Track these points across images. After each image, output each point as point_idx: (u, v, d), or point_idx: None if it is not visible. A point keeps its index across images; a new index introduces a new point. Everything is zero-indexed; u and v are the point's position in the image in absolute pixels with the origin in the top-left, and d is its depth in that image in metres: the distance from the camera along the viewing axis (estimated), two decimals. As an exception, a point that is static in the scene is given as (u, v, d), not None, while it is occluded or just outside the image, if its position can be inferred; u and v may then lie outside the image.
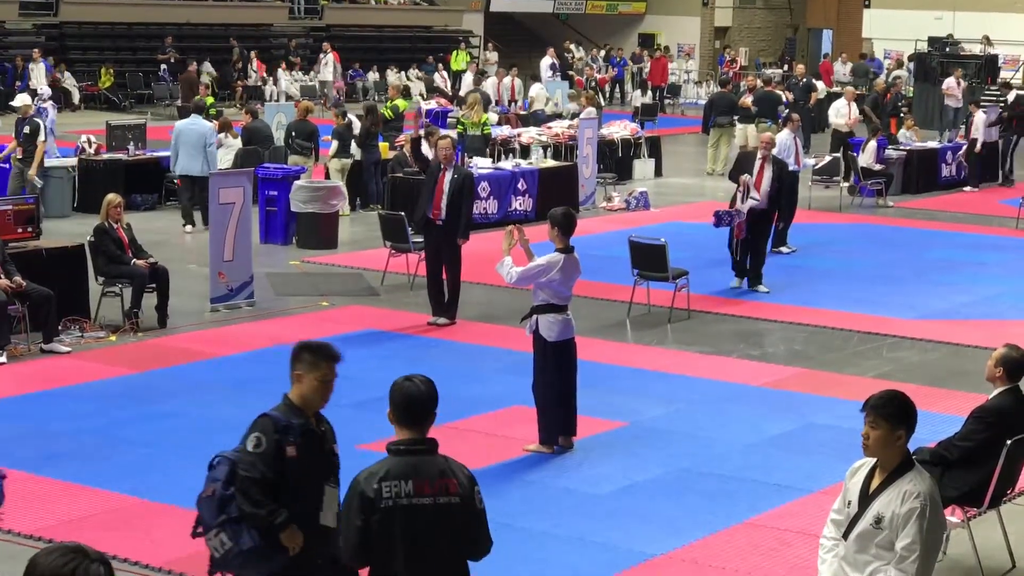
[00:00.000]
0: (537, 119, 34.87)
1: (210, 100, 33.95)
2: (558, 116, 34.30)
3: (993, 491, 10.11)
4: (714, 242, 20.10)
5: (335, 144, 25.67)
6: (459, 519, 6.47)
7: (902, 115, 34.67)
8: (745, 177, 19.42)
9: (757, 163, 19.68)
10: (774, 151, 22.46)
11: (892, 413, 7.07)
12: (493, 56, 52.68)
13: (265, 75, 47.32)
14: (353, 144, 25.89)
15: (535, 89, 38.84)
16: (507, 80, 42.63)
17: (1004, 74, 42.95)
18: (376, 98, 44.10)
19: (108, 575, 4.57)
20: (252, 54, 47.29)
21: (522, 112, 37.64)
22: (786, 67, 40.02)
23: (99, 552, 4.58)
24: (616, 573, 10.11)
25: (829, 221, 26.40)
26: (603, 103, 45.13)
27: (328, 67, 46.65)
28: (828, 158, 28.49)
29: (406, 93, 38.18)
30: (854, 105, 31.51)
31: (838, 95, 46.94)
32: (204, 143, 23.36)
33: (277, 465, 7.47)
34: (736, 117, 33.31)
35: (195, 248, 21.79)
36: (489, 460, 12.38)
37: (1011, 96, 35.27)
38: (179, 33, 49.01)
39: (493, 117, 31.54)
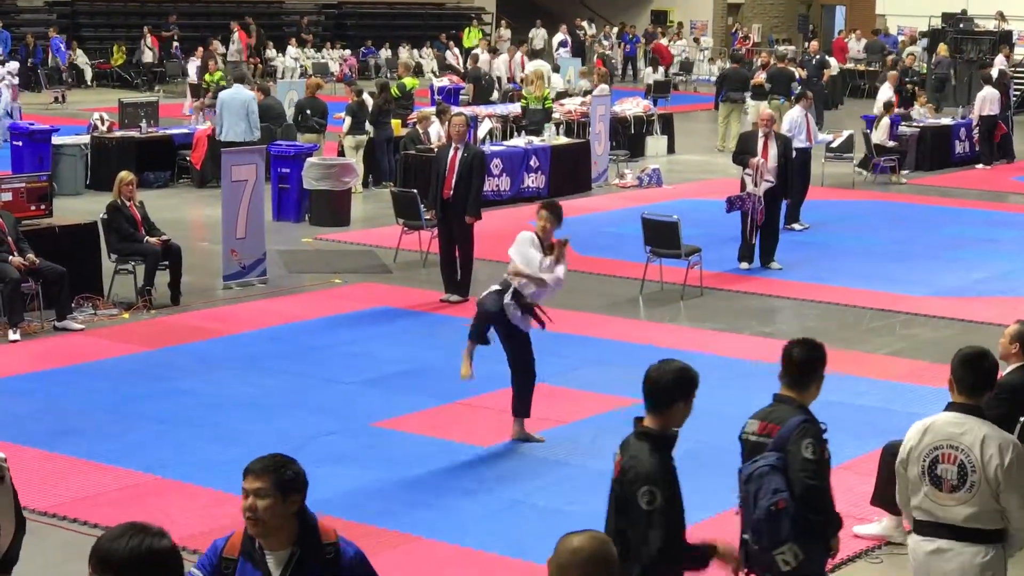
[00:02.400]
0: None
1: (218, 75, 33.96)
2: (566, 94, 34.22)
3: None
4: (727, 219, 20.06)
5: (348, 121, 25.66)
6: None
7: (915, 92, 34.51)
8: (756, 160, 19.34)
9: (760, 141, 19.59)
10: (785, 128, 22.47)
11: None
12: (506, 33, 52.62)
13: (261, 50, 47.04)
14: (367, 121, 25.88)
15: (533, 65, 38.67)
16: (517, 57, 42.54)
17: (1019, 50, 42.77)
18: (388, 76, 44.06)
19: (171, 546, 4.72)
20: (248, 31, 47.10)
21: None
22: (807, 44, 39.82)
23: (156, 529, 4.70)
24: (629, 550, 10.10)
25: (842, 198, 26.35)
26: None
27: (235, 46, 45.86)
28: (844, 135, 28.38)
29: (418, 71, 38.17)
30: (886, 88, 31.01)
31: (852, 72, 47.04)
32: (247, 110, 24.05)
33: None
34: (748, 94, 33.25)
35: (208, 225, 21.81)
36: (502, 437, 12.39)
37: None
38: (190, 10, 48.99)
39: (559, 81, 31.95)
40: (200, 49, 40.79)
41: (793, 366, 7.66)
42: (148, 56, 44.85)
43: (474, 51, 42.46)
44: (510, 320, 12.27)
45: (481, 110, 29.41)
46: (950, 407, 7.54)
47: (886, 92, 30.56)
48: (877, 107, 30.20)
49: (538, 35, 51.99)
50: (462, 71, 42.81)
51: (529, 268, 12.21)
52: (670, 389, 6.72)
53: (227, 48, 45.05)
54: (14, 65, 34.31)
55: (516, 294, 12.24)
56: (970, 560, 7.29)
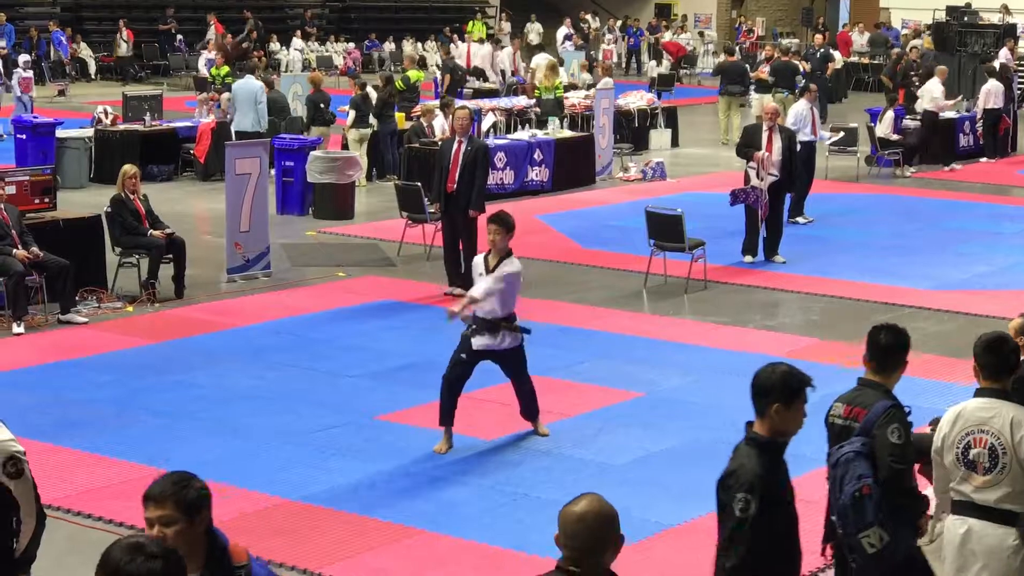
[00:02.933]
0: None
1: (225, 70, 33.94)
2: (573, 87, 34.20)
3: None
4: (731, 212, 20.06)
5: (352, 114, 25.67)
6: None
7: (916, 85, 34.45)
8: (760, 153, 19.33)
9: (764, 134, 19.58)
10: (791, 121, 22.46)
11: None
12: (507, 27, 52.60)
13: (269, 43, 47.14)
14: (370, 114, 25.89)
15: (538, 59, 38.60)
16: (511, 50, 42.40)
17: (1023, 43, 42.70)
18: (392, 69, 44.01)
19: (164, 571, 4.66)
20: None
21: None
22: (819, 36, 39.73)
23: (160, 547, 4.71)
24: (632, 543, 10.10)
25: (846, 191, 26.33)
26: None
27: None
28: (840, 134, 28.31)
29: (422, 64, 38.15)
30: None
31: (856, 65, 46.99)
32: (255, 100, 24.89)
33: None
34: (752, 87, 33.20)
35: (211, 219, 21.81)
36: (505, 430, 12.39)
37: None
38: (193, 4, 48.95)
39: (563, 75, 32.36)
40: (212, 42, 40.74)
41: (879, 351, 7.84)
42: (123, 49, 44.64)
43: (449, 43, 42.49)
44: (497, 351, 12.03)
45: (485, 103, 29.40)
46: (979, 393, 7.64)
47: (936, 87, 30.22)
48: (925, 103, 30.02)
49: (532, 29, 51.92)
50: (468, 66, 42.78)
51: (475, 292, 11.89)
52: (769, 392, 6.68)
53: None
54: (25, 58, 34.32)
55: (479, 322, 11.93)
56: (1000, 542, 7.38)
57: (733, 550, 6.55)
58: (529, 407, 12.33)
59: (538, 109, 28.93)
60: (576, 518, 5.18)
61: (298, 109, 28.07)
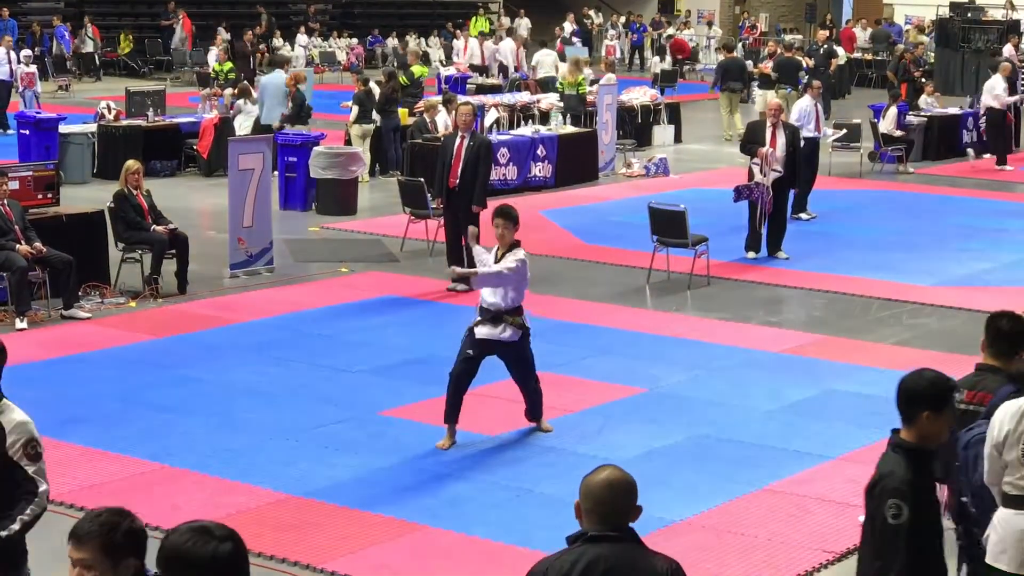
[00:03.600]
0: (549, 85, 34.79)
1: (228, 65, 33.95)
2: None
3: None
4: (734, 209, 20.06)
5: (355, 110, 25.66)
6: None
7: (921, 81, 34.44)
8: (764, 149, 19.32)
9: (768, 131, 19.59)
10: (795, 117, 22.47)
11: None
12: (507, 22, 52.59)
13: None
14: (373, 110, 25.88)
15: (540, 55, 38.59)
16: (509, 44, 42.35)
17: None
18: (395, 64, 43.97)
19: (235, 552, 4.66)
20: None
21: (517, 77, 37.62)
22: (822, 32, 39.64)
23: (226, 530, 4.67)
24: (635, 539, 10.11)
25: (849, 187, 26.33)
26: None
27: (178, 35, 45.75)
28: (841, 132, 28.30)
29: (425, 60, 38.14)
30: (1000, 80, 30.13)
31: (859, 61, 46.96)
32: (284, 94, 25.43)
33: None
34: (753, 83, 33.18)
35: (214, 214, 21.82)
36: (509, 426, 12.39)
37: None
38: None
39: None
40: (219, 38, 40.73)
41: (1001, 337, 8.10)
42: (89, 47, 44.52)
43: (452, 39, 42.53)
44: (498, 341, 12.01)
45: (488, 99, 29.39)
46: None
47: (999, 83, 30.10)
48: (989, 99, 29.92)
49: (522, 24, 51.91)
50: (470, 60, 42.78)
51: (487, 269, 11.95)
52: (915, 399, 6.63)
53: (232, 37, 45.04)
54: (27, 53, 34.33)
55: (484, 313, 11.96)
56: None
57: (892, 559, 6.49)
58: (533, 409, 12.31)
59: (561, 104, 28.91)
60: (604, 484, 5.48)
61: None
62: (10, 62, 31.85)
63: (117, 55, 45.41)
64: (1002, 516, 7.66)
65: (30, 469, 6.94)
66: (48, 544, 7.36)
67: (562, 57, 38.59)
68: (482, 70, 40.27)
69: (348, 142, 25.58)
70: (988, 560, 7.66)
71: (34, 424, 7.09)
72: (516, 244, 12.07)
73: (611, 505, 5.48)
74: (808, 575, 9.63)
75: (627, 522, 5.52)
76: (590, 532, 5.48)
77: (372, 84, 26.44)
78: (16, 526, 7.00)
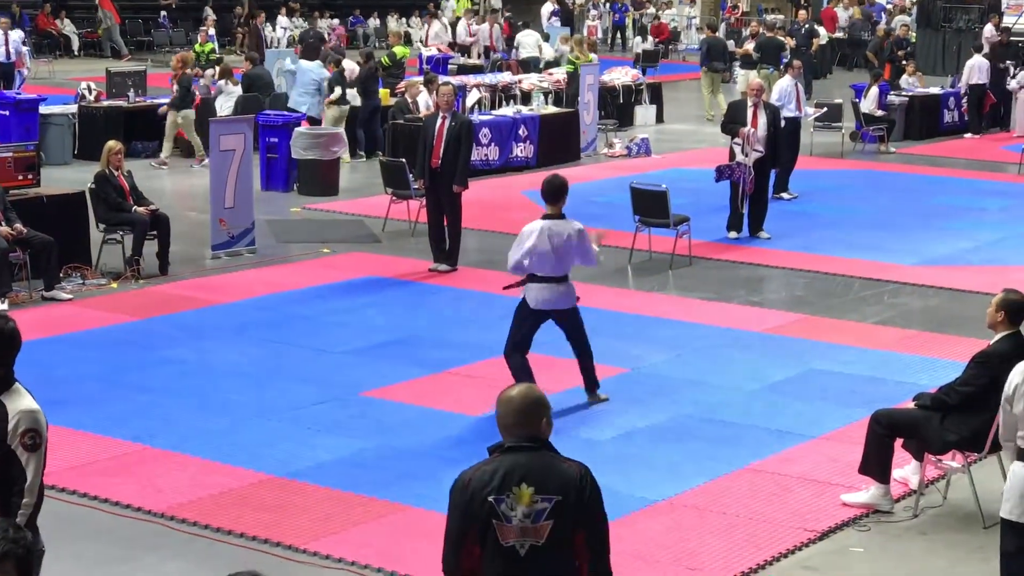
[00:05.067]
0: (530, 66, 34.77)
1: (209, 47, 33.85)
2: (555, 63, 34.20)
3: (993, 436, 10.12)
4: (716, 188, 20.07)
5: (338, 91, 25.60)
6: None
7: (904, 62, 34.45)
8: (746, 129, 19.32)
9: (749, 111, 19.58)
10: (775, 97, 22.47)
11: None
12: (496, 2, 52.46)
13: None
14: (352, 91, 25.81)
15: (522, 35, 38.48)
16: (493, 27, 42.28)
17: (1008, 19, 42.67)
18: (376, 45, 43.95)
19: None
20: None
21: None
22: (803, 12, 39.54)
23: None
24: (617, 518, 10.11)
25: (831, 167, 26.35)
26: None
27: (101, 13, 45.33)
28: (823, 110, 28.32)
29: (407, 40, 38.06)
30: None
31: (841, 41, 46.96)
32: (318, 85, 25.37)
33: None
34: (737, 63, 33.18)
35: (196, 195, 21.78)
36: (491, 406, 12.37)
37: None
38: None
39: (549, 51, 32.56)
40: (210, 18, 40.61)
41: None
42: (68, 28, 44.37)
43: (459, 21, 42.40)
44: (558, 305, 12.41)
45: (469, 79, 29.34)
46: None
47: (983, 62, 30.30)
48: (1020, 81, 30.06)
49: (545, 11, 51.70)
50: (451, 41, 42.68)
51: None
52: None
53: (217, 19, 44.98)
54: (20, 33, 34.15)
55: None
56: None
57: None
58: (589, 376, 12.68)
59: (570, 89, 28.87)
60: (518, 399, 6.18)
61: (283, 85, 28.02)
62: (7, 43, 31.58)
63: (97, 36, 45.22)
64: (1015, 469, 7.97)
65: (23, 459, 6.84)
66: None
67: (546, 38, 38.57)
68: (464, 50, 40.18)
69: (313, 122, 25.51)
70: (1001, 513, 8.07)
71: (42, 415, 6.97)
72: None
73: (524, 418, 6.08)
74: (790, 553, 9.65)
75: (540, 433, 6.08)
76: (508, 443, 6.11)
77: (346, 64, 26.40)
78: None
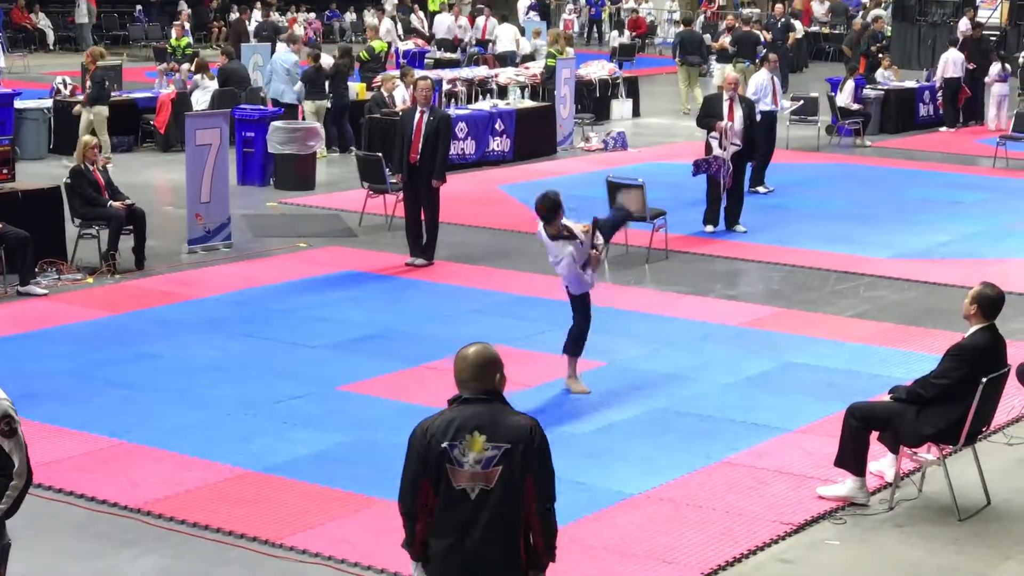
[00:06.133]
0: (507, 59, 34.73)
1: (185, 41, 33.78)
2: (532, 57, 34.19)
3: (969, 429, 10.17)
4: (692, 182, 20.08)
5: (303, 87, 25.61)
6: None
7: (880, 56, 34.50)
8: (723, 123, 19.34)
9: (725, 104, 19.60)
10: (751, 91, 22.49)
11: None
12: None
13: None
14: (327, 85, 25.80)
15: (499, 29, 38.39)
16: (463, 20, 42.19)
17: (983, 12, 42.79)
18: (352, 39, 43.83)
19: None
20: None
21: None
22: (779, 6, 39.45)
23: None
24: (594, 512, 10.15)
25: (806, 161, 26.39)
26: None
27: (82, 8, 45.22)
28: (799, 103, 28.38)
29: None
30: None
31: (816, 35, 47.02)
32: (284, 71, 25.78)
33: None
34: (714, 57, 33.21)
35: (172, 190, 21.74)
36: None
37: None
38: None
39: (527, 45, 32.65)
40: (184, 12, 40.50)
41: None
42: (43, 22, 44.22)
43: (438, 15, 42.35)
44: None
45: (446, 74, 29.32)
46: None
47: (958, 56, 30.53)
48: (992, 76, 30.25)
49: (522, 5, 51.64)
50: (428, 35, 42.63)
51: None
52: None
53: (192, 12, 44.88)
54: None
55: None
56: None
57: None
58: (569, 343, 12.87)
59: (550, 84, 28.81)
60: (473, 355, 6.65)
61: (258, 80, 27.96)
62: None
63: (73, 20, 44.95)
64: None
65: (5, 446, 6.90)
66: (11, 521, 7.31)
67: (523, 32, 38.53)
68: (441, 44, 40.10)
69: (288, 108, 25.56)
70: None
71: (10, 401, 7.02)
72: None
73: (479, 372, 6.64)
74: (766, 546, 9.68)
75: (494, 388, 6.65)
76: (464, 396, 6.67)
77: (324, 59, 26.37)
78: (4, 507, 6.97)
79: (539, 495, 6.65)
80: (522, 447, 6.58)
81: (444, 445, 6.58)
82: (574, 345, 12.83)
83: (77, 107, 24.25)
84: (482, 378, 6.67)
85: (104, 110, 24.07)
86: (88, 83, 24.56)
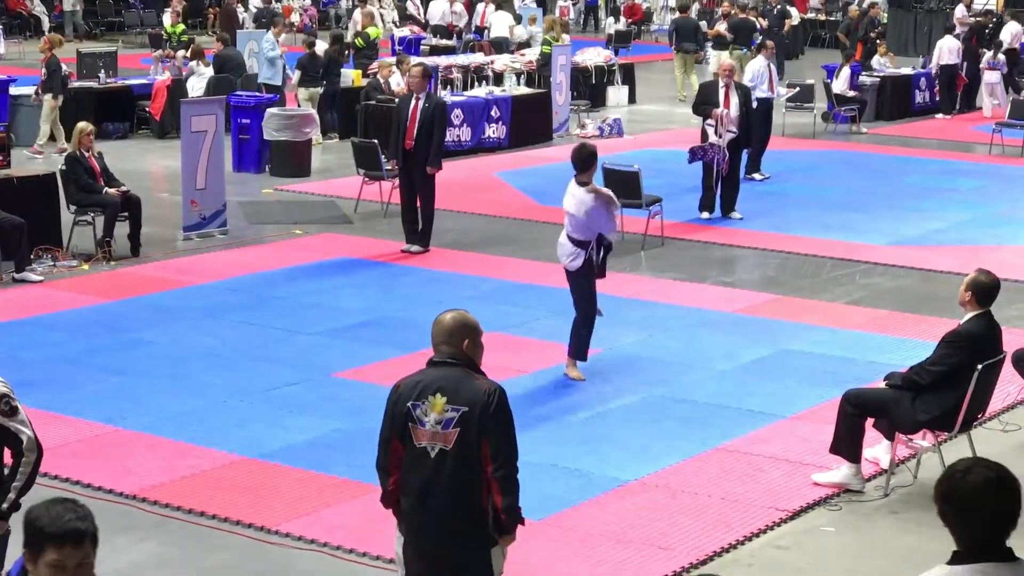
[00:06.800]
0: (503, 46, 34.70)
1: (180, 27, 33.72)
2: (527, 44, 34.16)
3: (964, 415, 10.17)
4: (688, 169, 20.08)
5: (298, 74, 25.63)
6: None
7: (875, 42, 34.49)
8: (719, 111, 19.33)
9: (721, 91, 19.60)
10: (748, 78, 22.48)
11: None
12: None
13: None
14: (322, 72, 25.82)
15: (494, 16, 38.34)
16: (458, 6, 42.11)
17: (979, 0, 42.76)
18: (347, 26, 43.61)
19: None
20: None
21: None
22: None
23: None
24: (589, 499, 10.15)
25: (803, 148, 26.39)
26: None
27: None
28: (796, 90, 28.37)
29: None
30: None
31: (813, 22, 47.01)
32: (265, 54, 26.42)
33: None
34: (709, 44, 33.18)
35: (167, 177, 21.72)
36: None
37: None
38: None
39: (522, 32, 32.59)
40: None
41: None
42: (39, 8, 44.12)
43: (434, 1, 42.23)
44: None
45: (442, 60, 29.30)
46: None
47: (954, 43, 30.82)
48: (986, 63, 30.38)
49: None
50: (423, 21, 42.57)
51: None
52: None
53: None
54: None
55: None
56: None
57: None
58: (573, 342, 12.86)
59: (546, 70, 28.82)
60: (447, 321, 6.98)
61: (254, 67, 27.93)
62: None
63: (60, 8, 44.86)
64: None
65: (10, 425, 6.94)
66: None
67: (518, 19, 38.49)
68: (436, 30, 40.03)
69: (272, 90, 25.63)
70: None
71: (6, 382, 7.04)
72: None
73: (449, 337, 6.97)
74: (761, 533, 9.68)
75: (464, 353, 6.96)
76: (434, 359, 7.05)
77: (319, 47, 26.38)
78: (12, 495, 7.00)
79: (495, 458, 6.88)
80: (479, 411, 6.84)
81: (409, 404, 6.98)
82: (577, 347, 12.90)
83: (33, 97, 24.15)
84: (450, 342, 6.98)
85: (56, 99, 23.77)
86: (43, 71, 23.98)
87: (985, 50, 31.63)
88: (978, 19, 34.37)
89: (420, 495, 6.98)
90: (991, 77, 31.16)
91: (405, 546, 7.19)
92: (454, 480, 6.89)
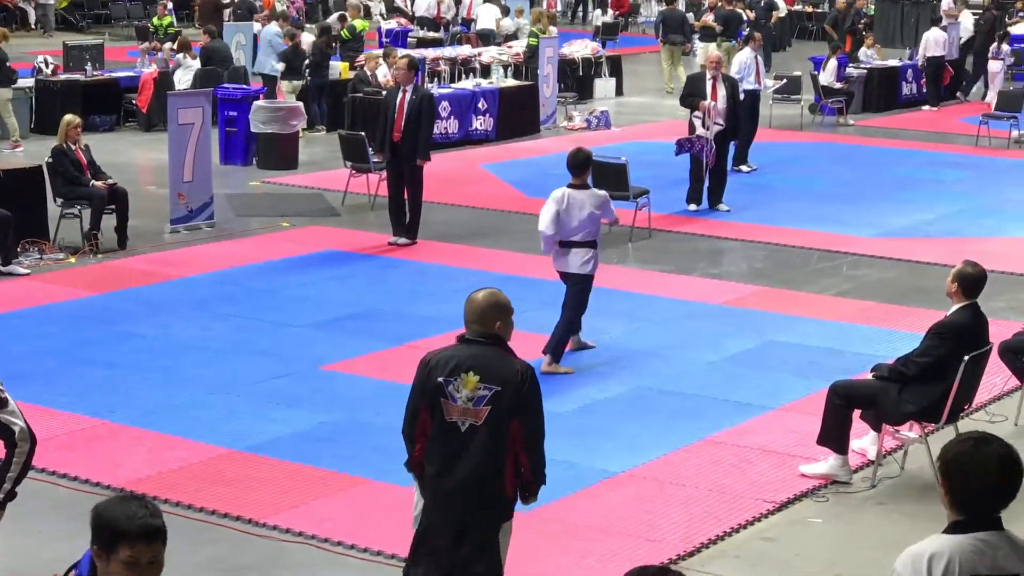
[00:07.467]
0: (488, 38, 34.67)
1: (168, 20, 33.68)
2: (515, 36, 34.13)
3: (951, 406, 10.19)
4: (675, 161, 20.10)
5: (281, 67, 25.60)
6: None
7: (863, 34, 34.53)
8: (707, 103, 19.34)
9: (708, 83, 19.61)
10: (735, 70, 22.50)
11: None
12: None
13: None
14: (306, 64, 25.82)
15: (481, 8, 38.30)
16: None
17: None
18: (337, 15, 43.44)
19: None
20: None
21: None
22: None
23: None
24: (577, 491, 10.16)
25: (790, 139, 26.41)
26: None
27: None
28: (782, 82, 28.39)
29: (366, 13, 37.91)
30: None
31: (800, 14, 47.04)
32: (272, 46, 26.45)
33: None
34: (696, 36, 33.19)
35: (154, 169, 21.69)
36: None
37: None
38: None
39: (510, 24, 32.61)
40: None
41: None
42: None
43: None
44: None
45: (429, 52, 29.27)
46: None
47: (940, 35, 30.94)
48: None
49: None
50: (410, 13, 42.52)
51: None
52: None
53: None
54: None
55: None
56: None
57: None
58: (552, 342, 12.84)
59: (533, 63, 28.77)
60: (480, 300, 7.22)
61: (241, 59, 27.91)
62: None
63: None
64: None
65: (1, 417, 6.97)
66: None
67: (506, 12, 38.45)
68: (422, 22, 39.99)
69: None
70: None
71: None
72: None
73: (481, 317, 7.21)
74: (749, 524, 9.70)
75: (496, 331, 7.22)
76: (467, 336, 7.26)
77: (304, 38, 26.35)
78: (7, 485, 7.03)
79: (526, 435, 7.26)
80: (511, 389, 7.15)
81: (441, 379, 7.18)
82: (556, 347, 12.90)
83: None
84: (483, 321, 7.23)
85: (6, 92, 23.54)
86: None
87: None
88: (992, 11, 34.40)
89: (447, 465, 7.25)
90: (995, 67, 31.18)
91: (425, 508, 7.48)
92: (481, 454, 7.19)
